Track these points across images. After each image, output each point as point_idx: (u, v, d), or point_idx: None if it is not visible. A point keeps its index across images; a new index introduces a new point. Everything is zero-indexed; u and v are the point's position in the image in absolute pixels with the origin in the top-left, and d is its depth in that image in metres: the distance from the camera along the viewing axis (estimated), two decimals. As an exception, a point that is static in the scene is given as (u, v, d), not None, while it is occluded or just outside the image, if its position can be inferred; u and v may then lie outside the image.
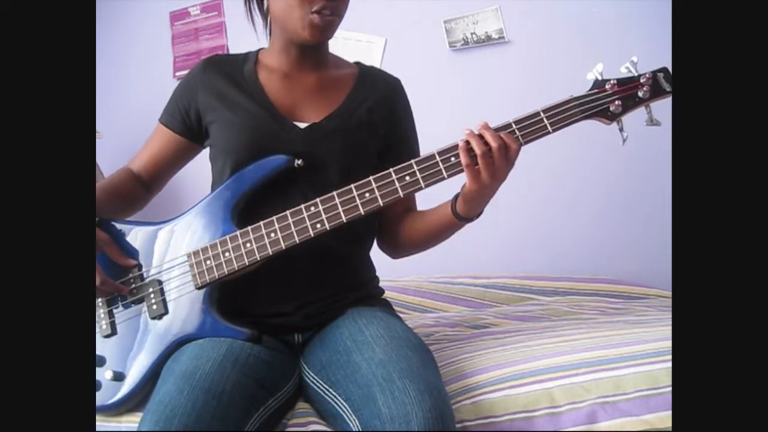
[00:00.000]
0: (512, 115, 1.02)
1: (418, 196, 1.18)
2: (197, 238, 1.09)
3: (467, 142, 0.99)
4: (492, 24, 2.25)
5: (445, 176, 1.02)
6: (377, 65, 1.31)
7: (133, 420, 1.03)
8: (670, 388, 1.01)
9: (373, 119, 1.16)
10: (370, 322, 1.05)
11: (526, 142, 1.00)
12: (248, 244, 1.04)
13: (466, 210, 1.06)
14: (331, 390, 0.99)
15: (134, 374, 1.06)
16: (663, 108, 1.03)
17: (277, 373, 1.03)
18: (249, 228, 1.05)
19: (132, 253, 1.11)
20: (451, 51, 2.30)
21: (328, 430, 1.00)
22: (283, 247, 1.03)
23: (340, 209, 1.02)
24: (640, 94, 1.01)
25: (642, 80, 1.01)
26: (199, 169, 1.26)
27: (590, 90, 1.02)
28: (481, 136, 0.99)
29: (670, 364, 1.04)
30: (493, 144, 0.98)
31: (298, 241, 1.03)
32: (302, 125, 1.12)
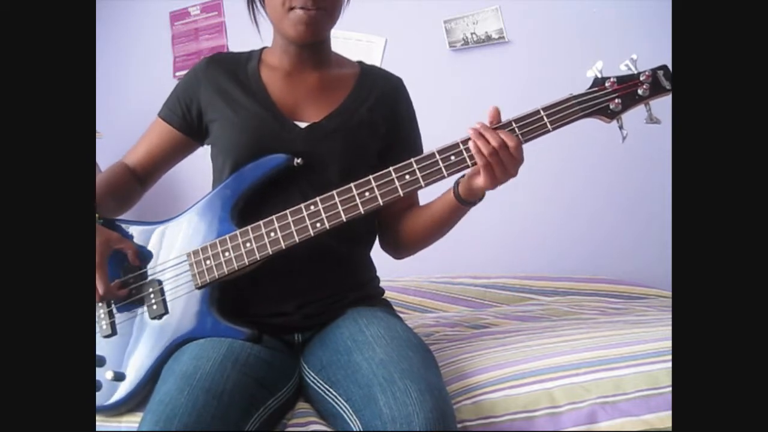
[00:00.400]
0: (512, 115, 1.02)
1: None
2: (197, 238, 1.09)
3: (475, 143, 0.98)
4: (492, 24, 2.25)
5: (446, 175, 1.02)
6: (377, 65, 1.30)
7: (133, 420, 1.03)
8: (670, 388, 1.01)
9: (374, 118, 1.16)
10: (371, 322, 1.05)
11: (526, 141, 1.00)
12: (248, 244, 1.04)
13: (471, 195, 1.06)
14: (331, 390, 0.98)
15: (134, 374, 1.06)
16: (663, 106, 1.03)
17: (277, 373, 1.03)
18: (249, 227, 1.05)
19: (144, 253, 1.11)
20: (451, 51, 2.30)
21: (328, 430, 1.00)
22: (283, 247, 1.03)
23: (340, 208, 1.02)
24: (639, 91, 1.01)
25: (642, 78, 1.01)
26: (199, 168, 1.26)
27: (590, 88, 1.02)
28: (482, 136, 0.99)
29: (670, 364, 1.04)
30: (494, 143, 0.98)
31: (298, 241, 1.03)
32: (303, 125, 1.12)
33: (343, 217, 1.02)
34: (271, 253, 1.03)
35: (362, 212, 1.02)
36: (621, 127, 1.03)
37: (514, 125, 1.00)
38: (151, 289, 1.08)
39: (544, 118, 1.00)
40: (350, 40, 2.31)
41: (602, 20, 2.18)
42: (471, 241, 2.16)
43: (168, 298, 1.08)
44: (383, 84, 1.21)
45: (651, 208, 2.16)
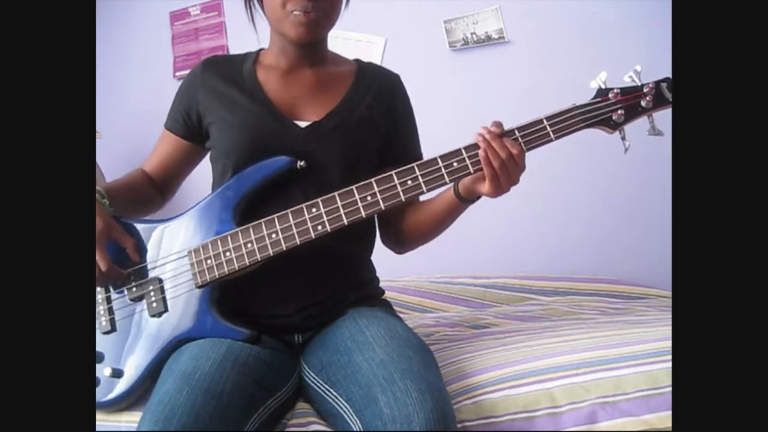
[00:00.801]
0: (512, 115, 1.02)
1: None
2: (198, 237, 1.09)
3: (486, 153, 0.99)
4: (492, 24, 2.25)
5: (447, 181, 1.02)
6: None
7: (132, 419, 1.03)
8: (670, 388, 1.01)
9: (373, 116, 1.16)
10: (371, 323, 1.05)
11: (529, 149, 1.01)
12: (249, 244, 1.04)
13: (471, 195, 1.07)
14: (331, 390, 0.99)
15: (132, 371, 1.06)
16: (665, 116, 1.03)
17: (277, 373, 1.03)
18: (250, 227, 1.05)
19: (142, 249, 1.11)
20: (451, 51, 2.30)
21: (328, 430, 1.00)
22: (284, 248, 1.03)
23: (342, 211, 1.02)
24: (643, 103, 1.02)
25: (645, 90, 1.02)
26: (200, 168, 1.26)
27: (593, 98, 1.02)
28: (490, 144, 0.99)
29: (670, 364, 1.05)
30: (503, 154, 0.98)
31: (298, 242, 1.03)
32: (302, 124, 1.12)
33: (345, 221, 1.02)
34: (271, 253, 1.04)
35: (364, 216, 1.02)
36: (623, 138, 1.03)
37: (517, 134, 1.01)
38: (151, 287, 1.08)
39: (547, 127, 1.00)
40: (350, 41, 2.31)
41: (602, 20, 2.18)
42: (471, 241, 2.17)
43: (168, 297, 1.08)
44: (381, 80, 1.22)
45: (651, 208, 2.16)
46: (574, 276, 1.91)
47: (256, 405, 0.95)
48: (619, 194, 2.21)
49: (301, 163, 1.08)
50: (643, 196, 2.19)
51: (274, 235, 1.03)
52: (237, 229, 1.05)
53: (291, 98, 1.15)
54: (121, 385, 1.05)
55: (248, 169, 1.08)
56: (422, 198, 1.12)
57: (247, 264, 1.04)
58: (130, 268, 1.10)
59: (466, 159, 1.01)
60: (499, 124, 1.01)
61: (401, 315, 1.24)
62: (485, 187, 1.02)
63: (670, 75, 1.01)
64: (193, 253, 1.07)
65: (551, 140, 1.01)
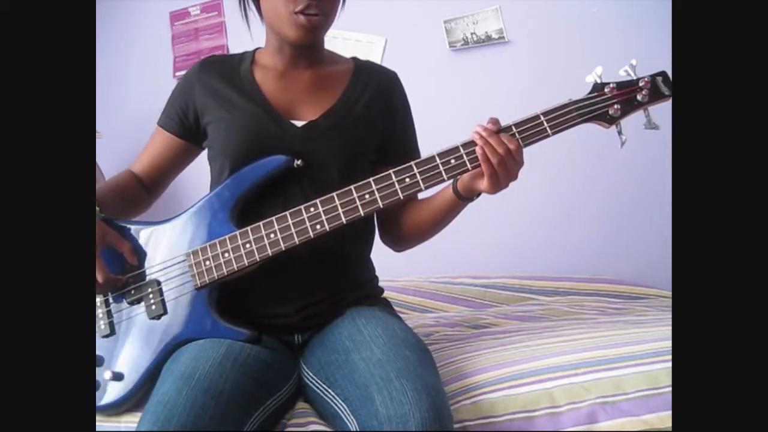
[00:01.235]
0: (512, 115, 1.02)
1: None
2: (196, 238, 1.09)
3: (483, 150, 0.99)
4: (492, 24, 2.25)
5: (445, 178, 1.02)
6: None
7: (132, 420, 1.02)
8: (670, 388, 1.01)
9: (371, 114, 1.16)
10: (369, 322, 1.05)
11: (526, 145, 1.01)
12: (248, 245, 1.04)
13: (470, 193, 1.07)
14: (329, 390, 0.99)
15: (133, 374, 1.05)
16: (662, 109, 1.03)
17: (277, 373, 1.03)
18: (248, 228, 1.05)
19: (139, 252, 1.11)
20: (451, 51, 2.30)
21: (328, 430, 1.00)
22: (283, 248, 1.03)
23: (340, 210, 1.02)
24: (639, 97, 1.02)
25: (641, 84, 1.02)
26: (200, 169, 1.26)
27: (589, 93, 1.03)
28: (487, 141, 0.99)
29: (670, 364, 1.04)
30: (500, 150, 0.98)
31: (297, 242, 1.03)
32: (299, 123, 1.12)
33: (343, 220, 1.02)
34: (270, 254, 1.03)
35: (362, 215, 1.02)
36: (620, 133, 1.03)
37: (514, 130, 1.01)
38: (149, 290, 1.08)
39: (544, 122, 1.00)
40: (350, 41, 2.31)
41: (602, 20, 2.18)
42: (471, 241, 2.17)
43: (167, 299, 1.08)
44: (378, 78, 1.22)
45: (651, 208, 2.16)
46: (574, 276, 1.91)
47: (256, 405, 0.95)
48: (619, 194, 2.21)
49: (298, 162, 1.08)
50: (643, 195, 2.18)
51: (272, 236, 1.03)
52: (236, 231, 1.05)
53: (288, 98, 1.15)
54: (122, 388, 1.05)
55: (245, 169, 1.08)
56: (421, 196, 1.12)
57: (246, 265, 1.04)
58: (128, 273, 1.10)
59: (464, 156, 1.01)
60: (495, 121, 1.01)
61: (401, 315, 1.24)
62: (484, 184, 1.02)
63: (670, 75, 1.01)
64: (191, 254, 1.07)
65: (548, 135, 1.01)
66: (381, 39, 2.34)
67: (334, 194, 1.03)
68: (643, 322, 1.36)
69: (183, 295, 1.07)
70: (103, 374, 1.06)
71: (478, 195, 1.08)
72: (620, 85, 1.02)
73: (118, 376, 1.06)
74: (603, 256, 2.18)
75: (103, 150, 2.00)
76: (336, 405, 0.96)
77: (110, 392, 1.05)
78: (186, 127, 1.19)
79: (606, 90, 1.02)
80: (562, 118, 1.01)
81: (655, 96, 1.02)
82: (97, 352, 1.08)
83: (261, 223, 1.04)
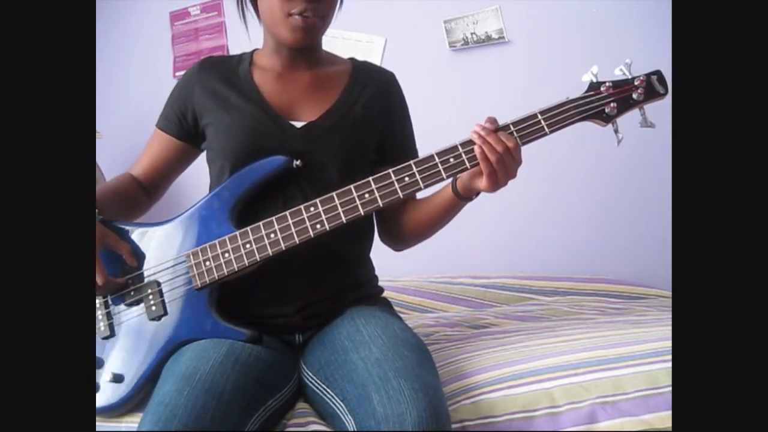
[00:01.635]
0: (512, 115, 1.03)
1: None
2: (195, 239, 1.09)
3: (481, 149, 0.99)
4: (492, 24, 2.25)
5: (444, 177, 1.03)
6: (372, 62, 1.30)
7: (133, 420, 1.03)
8: (670, 388, 1.01)
9: (370, 114, 1.16)
10: (368, 322, 1.05)
11: (524, 143, 1.02)
12: (248, 245, 1.04)
13: (469, 192, 1.07)
14: (328, 390, 0.99)
15: (133, 376, 1.05)
16: (660, 107, 1.04)
17: (277, 373, 1.03)
18: (248, 229, 1.05)
19: (138, 254, 1.11)
20: (451, 51, 2.30)
21: (328, 430, 1.00)
22: (283, 248, 1.03)
23: (340, 210, 1.02)
24: (634, 96, 1.03)
25: (636, 82, 1.03)
26: (199, 170, 1.26)
27: (586, 92, 1.03)
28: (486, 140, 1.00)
29: (670, 364, 1.04)
30: (499, 148, 0.99)
31: (297, 242, 1.03)
32: (299, 124, 1.12)
33: (343, 219, 1.02)
34: (270, 254, 1.04)
35: (362, 214, 1.03)
36: (616, 131, 1.04)
37: (512, 128, 1.01)
38: (149, 291, 1.08)
39: (542, 121, 1.01)
40: (350, 41, 2.31)
41: (602, 20, 2.18)
42: (471, 241, 2.17)
43: (167, 300, 1.07)
44: (377, 79, 1.22)
45: (651, 208, 2.16)
46: (574, 276, 1.91)
47: (257, 405, 0.95)
48: (619, 194, 2.21)
49: (297, 163, 1.09)
50: (643, 195, 2.18)
51: (272, 236, 1.04)
52: (236, 232, 1.05)
53: (287, 99, 1.15)
54: (122, 390, 1.05)
55: (244, 170, 1.08)
56: (420, 195, 1.12)
57: (247, 265, 1.04)
58: (128, 275, 1.10)
59: (463, 155, 1.01)
60: (493, 120, 1.02)
61: (401, 315, 1.24)
62: (482, 182, 1.02)
63: (670, 74, 1.01)
64: (191, 255, 1.07)
65: (546, 134, 1.02)
66: (381, 39, 2.33)
67: (334, 194, 1.03)
68: (643, 322, 1.36)
69: (183, 296, 1.07)
70: (103, 376, 1.06)
71: (477, 194, 1.09)
72: (616, 84, 1.03)
73: (118, 378, 1.06)
74: (603, 256, 2.18)
75: (103, 150, 2.00)
76: (335, 405, 0.96)
77: (110, 394, 1.05)
78: (185, 128, 1.19)
79: (602, 89, 1.03)
80: (560, 116, 1.01)
81: (651, 94, 1.03)
82: (97, 354, 1.08)
83: (261, 223, 1.04)
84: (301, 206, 1.03)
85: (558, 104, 1.02)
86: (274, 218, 1.04)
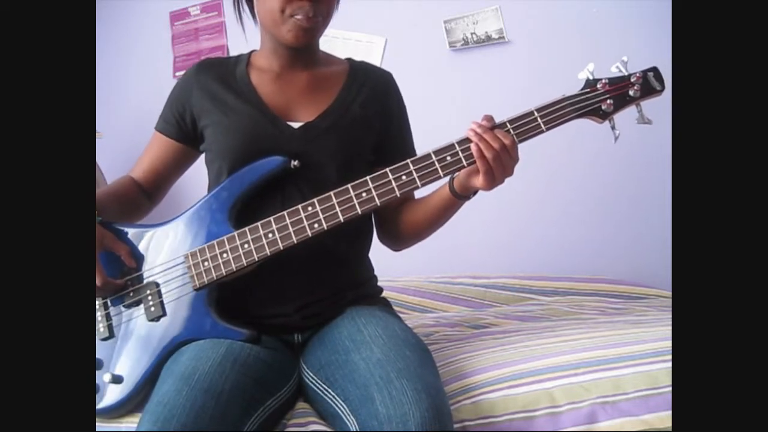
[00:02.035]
0: (512, 114, 1.02)
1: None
2: (194, 240, 1.08)
3: (478, 146, 0.99)
4: (492, 24, 2.25)
5: (441, 175, 1.03)
6: (373, 63, 1.30)
7: (133, 421, 1.02)
8: (670, 388, 1.01)
9: (367, 114, 1.16)
10: (369, 322, 1.05)
11: (521, 141, 1.02)
12: (246, 245, 1.04)
13: (466, 191, 1.07)
14: (329, 390, 0.99)
15: (132, 377, 1.05)
16: (659, 105, 1.04)
17: (277, 373, 1.03)
18: (247, 229, 1.05)
19: (136, 255, 1.11)
20: (451, 51, 2.30)
21: (328, 430, 1.00)
22: (281, 248, 1.03)
23: (338, 209, 1.02)
24: (630, 92, 1.03)
25: (632, 79, 1.03)
26: (199, 171, 1.26)
27: (582, 89, 1.04)
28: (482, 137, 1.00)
29: (670, 364, 1.04)
30: (495, 145, 0.99)
31: (295, 242, 1.03)
32: (296, 125, 1.12)
33: (341, 218, 1.02)
34: (269, 254, 1.03)
35: (360, 213, 1.02)
36: (613, 128, 1.05)
37: (508, 126, 1.02)
38: (148, 291, 1.08)
39: (538, 118, 1.01)
40: (350, 41, 2.31)
41: (602, 20, 2.18)
42: (471, 241, 2.17)
43: (165, 300, 1.07)
44: (374, 79, 1.22)
45: (651, 207, 2.16)
46: (574, 276, 1.91)
47: (256, 405, 0.95)
48: (618, 194, 2.21)
49: (295, 163, 1.09)
50: (642, 195, 2.18)
51: (270, 236, 1.03)
52: (234, 233, 1.05)
53: (284, 100, 1.15)
54: (121, 391, 1.05)
55: (242, 170, 1.08)
56: (418, 194, 1.12)
57: (245, 265, 1.04)
58: (127, 276, 1.10)
59: (459, 153, 1.01)
60: (490, 118, 1.02)
61: (401, 315, 1.24)
62: (479, 180, 1.02)
63: (670, 74, 1.01)
64: (190, 256, 1.07)
65: (542, 131, 1.02)
66: (381, 39, 2.33)
67: (332, 193, 1.03)
68: (643, 322, 1.36)
69: (182, 297, 1.07)
70: (103, 377, 1.06)
71: (474, 193, 1.09)
72: (612, 81, 1.03)
73: (117, 379, 1.05)
74: (603, 255, 2.18)
75: (103, 150, 2.00)
76: (336, 405, 0.96)
77: (110, 395, 1.05)
78: (183, 131, 1.19)
79: (598, 86, 1.03)
80: (556, 113, 1.01)
81: (647, 91, 1.03)
82: (97, 355, 1.08)
83: (259, 224, 1.04)
84: (299, 206, 1.03)
85: (554, 101, 1.02)
86: (272, 218, 1.04)
